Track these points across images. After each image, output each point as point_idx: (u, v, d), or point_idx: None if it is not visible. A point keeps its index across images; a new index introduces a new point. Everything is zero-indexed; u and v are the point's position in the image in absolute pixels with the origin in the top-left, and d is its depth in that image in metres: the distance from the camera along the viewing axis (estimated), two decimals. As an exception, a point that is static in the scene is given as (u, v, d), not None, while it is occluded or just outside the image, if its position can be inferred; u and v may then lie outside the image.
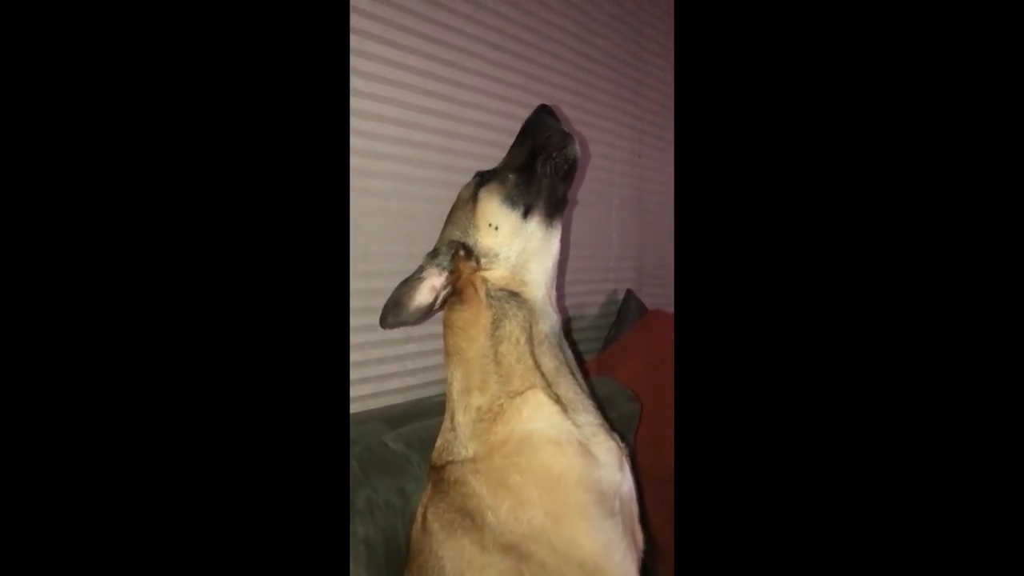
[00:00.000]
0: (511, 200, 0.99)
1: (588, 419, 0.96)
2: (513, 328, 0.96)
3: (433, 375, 1.41)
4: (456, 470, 0.94)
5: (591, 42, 1.84)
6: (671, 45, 2.19)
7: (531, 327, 0.97)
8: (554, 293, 1.05)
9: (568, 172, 1.04)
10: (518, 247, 0.99)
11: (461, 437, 0.95)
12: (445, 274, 0.98)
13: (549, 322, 1.00)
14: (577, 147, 1.05)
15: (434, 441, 1.00)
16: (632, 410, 1.35)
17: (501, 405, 0.93)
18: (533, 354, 0.96)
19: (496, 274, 0.99)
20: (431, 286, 0.98)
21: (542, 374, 0.96)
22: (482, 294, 0.98)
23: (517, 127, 1.44)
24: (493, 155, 1.45)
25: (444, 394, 1.01)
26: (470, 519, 0.90)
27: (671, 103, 2.24)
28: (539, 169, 1.01)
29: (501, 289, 0.98)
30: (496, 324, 0.97)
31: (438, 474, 0.97)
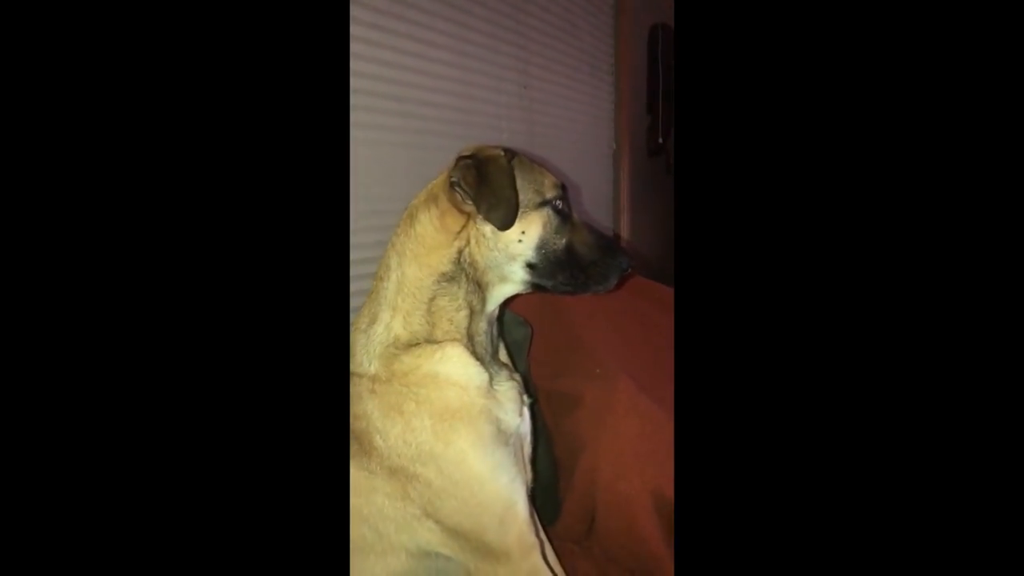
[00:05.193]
0: (541, 247, 0.96)
1: (501, 378, 0.98)
2: (458, 294, 0.94)
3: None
4: (352, 385, 0.92)
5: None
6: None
7: (472, 314, 0.96)
8: (496, 314, 1.05)
9: (575, 291, 1.01)
10: (506, 266, 0.95)
11: (369, 350, 0.94)
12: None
13: (484, 325, 0.99)
14: (602, 288, 1.01)
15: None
16: (524, 334, 1.40)
17: (418, 344, 0.92)
18: (467, 327, 0.95)
19: (477, 254, 0.95)
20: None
21: (468, 336, 0.95)
22: (455, 245, 0.94)
23: (385, 57, 1.37)
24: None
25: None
26: (356, 443, 0.89)
27: (555, 32, 2.22)
28: (564, 271, 0.97)
29: (471, 266, 0.95)
30: (447, 278, 0.94)
31: None
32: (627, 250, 1.03)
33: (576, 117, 2.40)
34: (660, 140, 2.61)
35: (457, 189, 0.91)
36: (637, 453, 1.12)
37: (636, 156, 2.70)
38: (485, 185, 0.89)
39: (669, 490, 1.07)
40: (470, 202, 0.91)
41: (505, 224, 0.90)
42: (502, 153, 0.94)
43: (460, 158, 0.92)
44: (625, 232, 2.68)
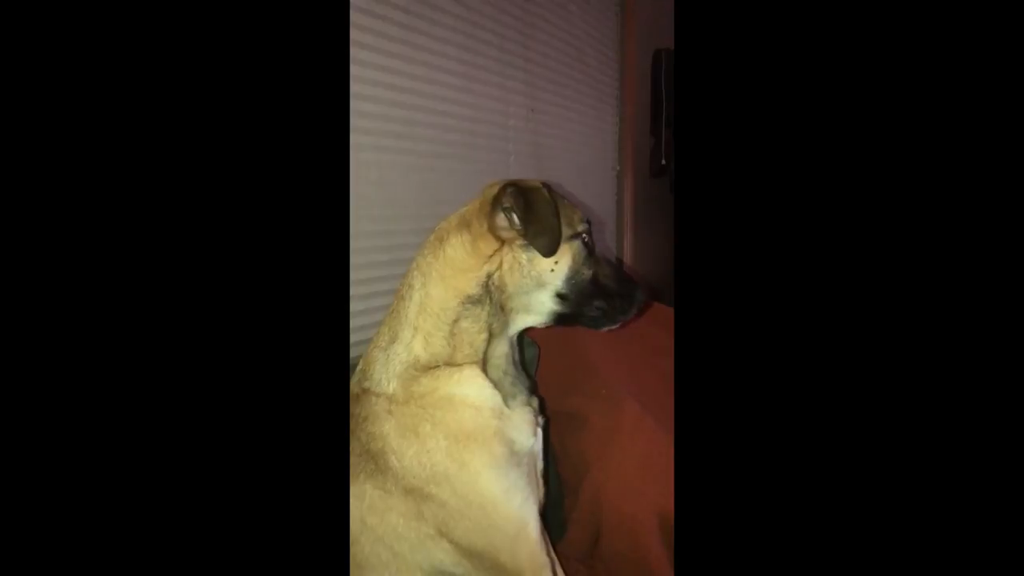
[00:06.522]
0: (572, 277, 1.00)
1: (516, 402, 1.01)
2: (481, 316, 0.97)
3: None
4: (369, 404, 0.94)
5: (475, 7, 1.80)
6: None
7: (491, 337, 0.98)
8: (516, 337, 1.08)
9: (595, 323, 1.05)
10: (535, 293, 0.99)
11: (389, 368, 0.95)
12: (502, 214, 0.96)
13: (505, 347, 1.02)
14: (625, 319, 1.07)
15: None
16: (532, 354, 1.42)
17: (437, 366, 0.95)
18: (485, 351, 0.98)
19: (508, 278, 0.97)
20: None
21: (485, 361, 0.98)
22: (485, 269, 0.97)
23: (394, 82, 1.36)
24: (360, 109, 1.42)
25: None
26: (373, 462, 0.91)
27: (562, 56, 2.26)
28: (591, 301, 1.02)
29: (498, 289, 0.97)
30: (473, 301, 0.96)
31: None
32: (641, 283, 1.07)
33: (581, 139, 2.44)
34: (663, 162, 2.64)
35: (508, 214, 0.95)
36: (642, 474, 1.14)
37: (639, 177, 2.73)
38: (532, 212, 0.93)
39: (673, 511, 1.09)
40: (517, 227, 0.95)
41: (550, 250, 0.94)
42: (541, 185, 0.98)
43: (506, 185, 0.96)
44: (628, 251, 2.71)
